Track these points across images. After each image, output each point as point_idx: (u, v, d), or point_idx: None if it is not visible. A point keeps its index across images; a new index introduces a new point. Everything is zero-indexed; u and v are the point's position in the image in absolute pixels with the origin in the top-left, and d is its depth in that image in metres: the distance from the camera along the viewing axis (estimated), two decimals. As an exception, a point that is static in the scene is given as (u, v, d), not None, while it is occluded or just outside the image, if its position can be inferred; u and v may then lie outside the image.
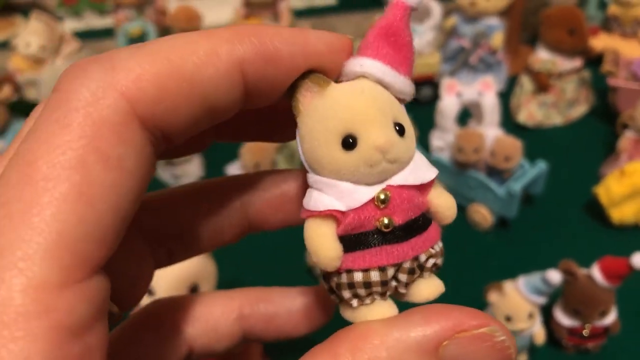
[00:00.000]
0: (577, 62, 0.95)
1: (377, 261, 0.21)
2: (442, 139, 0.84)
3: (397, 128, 0.20)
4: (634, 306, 0.68)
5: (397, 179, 0.21)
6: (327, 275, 0.21)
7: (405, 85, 0.21)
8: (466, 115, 0.87)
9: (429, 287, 0.21)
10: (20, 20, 1.32)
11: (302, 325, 0.27)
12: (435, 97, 0.92)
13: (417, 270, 0.21)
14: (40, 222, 0.16)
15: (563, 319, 0.64)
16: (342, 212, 0.21)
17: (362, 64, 0.21)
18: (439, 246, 0.22)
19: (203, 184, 0.26)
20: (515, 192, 0.75)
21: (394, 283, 0.21)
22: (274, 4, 1.11)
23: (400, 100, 0.22)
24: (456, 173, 0.80)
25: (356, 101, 0.20)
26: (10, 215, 0.16)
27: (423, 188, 0.21)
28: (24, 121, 0.84)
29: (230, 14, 1.14)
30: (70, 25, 1.32)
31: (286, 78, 0.20)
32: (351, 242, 0.21)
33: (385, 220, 0.20)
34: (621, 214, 0.78)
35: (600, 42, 1.05)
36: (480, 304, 0.64)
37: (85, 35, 1.27)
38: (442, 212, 0.21)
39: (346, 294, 0.21)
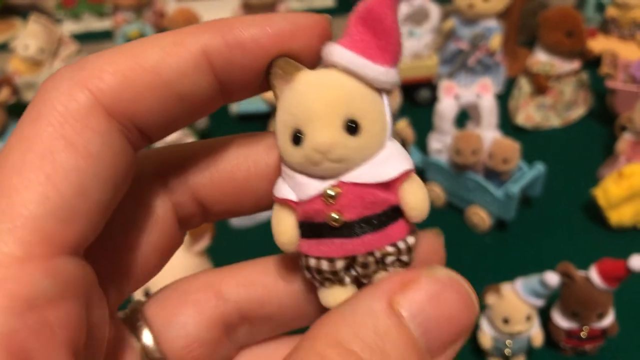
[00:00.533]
0: (575, 64, 0.96)
1: (327, 252, 0.21)
2: (440, 141, 0.84)
3: (349, 125, 0.20)
4: (631, 308, 0.68)
5: (351, 176, 0.20)
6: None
7: (381, 74, 0.20)
8: (464, 117, 0.87)
9: None
10: (19, 22, 1.32)
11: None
12: (433, 99, 0.92)
13: (374, 265, 0.21)
14: (7, 204, 0.17)
15: (561, 321, 0.64)
16: (296, 202, 0.21)
17: (331, 52, 0.21)
18: (404, 243, 0.21)
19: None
20: (514, 194, 0.75)
21: (353, 273, 0.22)
22: (272, 5, 1.11)
23: (381, 90, 0.21)
24: (454, 175, 0.80)
25: (309, 96, 0.20)
26: None
27: (389, 184, 0.21)
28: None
29: (229, 15, 1.14)
30: (69, 27, 1.32)
31: (256, 64, 0.20)
32: (308, 229, 0.21)
33: (334, 216, 0.20)
34: (619, 216, 0.78)
35: (598, 44, 1.06)
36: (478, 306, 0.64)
37: (84, 38, 1.27)
38: (408, 211, 0.21)
39: (307, 274, 0.22)
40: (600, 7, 1.13)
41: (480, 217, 0.80)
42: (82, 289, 0.18)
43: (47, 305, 0.16)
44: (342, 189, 0.20)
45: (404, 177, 0.21)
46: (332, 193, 0.20)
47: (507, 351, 0.63)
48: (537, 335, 0.63)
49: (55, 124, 0.18)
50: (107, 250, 0.21)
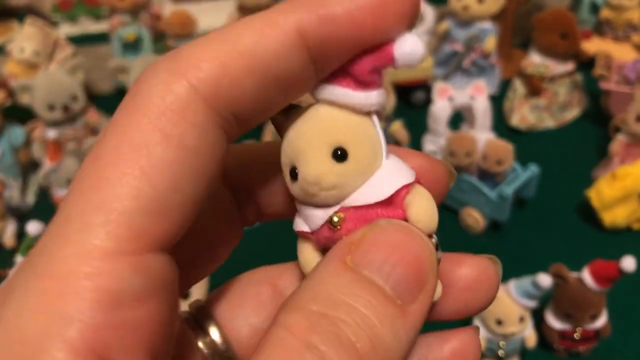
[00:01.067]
0: (569, 66, 0.96)
1: None
2: (435, 143, 0.84)
3: (338, 153, 0.20)
4: (624, 309, 0.68)
5: (350, 200, 0.21)
6: None
7: (362, 99, 0.21)
8: (458, 119, 0.87)
9: None
10: (16, 25, 1.32)
11: None
12: (428, 101, 0.92)
13: None
14: (100, 198, 0.17)
15: (554, 322, 0.64)
16: (310, 233, 0.22)
17: (315, 88, 0.21)
18: None
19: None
20: (507, 195, 0.75)
21: None
22: (268, 8, 1.11)
23: (369, 112, 0.21)
24: (448, 177, 0.81)
25: (297, 133, 0.21)
26: (80, 191, 0.17)
27: (393, 201, 0.21)
28: (17, 126, 0.85)
29: (225, 19, 1.14)
30: (66, 30, 1.32)
31: (349, 39, 0.19)
32: None
33: None
34: (613, 217, 0.78)
35: (592, 45, 1.06)
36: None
37: (81, 41, 1.27)
38: (414, 224, 0.21)
39: None
40: (595, 9, 1.13)
41: (474, 218, 0.80)
42: (169, 287, 0.18)
43: (134, 303, 0.16)
44: (344, 214, 0.21)
45: (404, 191, 0.21)
46: (336, 219, 0.21)
47: (500, 352, 0.63)
48: (530, 336, 0.64)
49: (152, 116, 0.17)
50: (181, 245, 0.21)
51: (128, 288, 0.16)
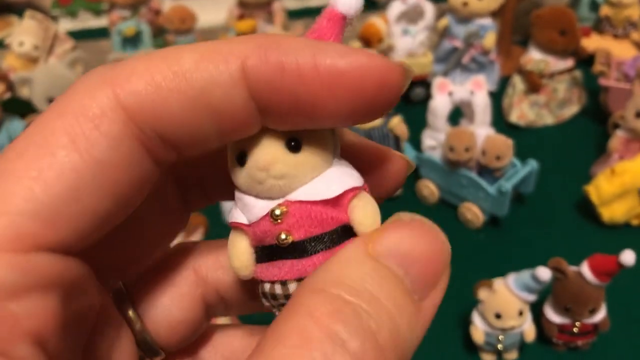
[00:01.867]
0: (568, 63, 0.96)
1: (279, 275, 0.21)
2: (434, 138, 0.84)
3: (291, 144, 0.20)
4: (623, 304, 0.68)
5: (297, 194, 0.20)
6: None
7: None
8: (458, 114, 0.87)
9: None
10: (16, 20, 1.32)
11: None
12: (427, 97, 0.92)
13: None
14: None
15: (553, 316, 0.64)
16: (247, 225, 0.21)
17: None
18: None
19: None
20: (507, 190, 0.75)
21: None
22: (268, 4, 1.11)
23: None
24: (447, 172, 0.81)
25: None
26: None
27: (338, 203, 0.20)
28: (17, 119, 0.85)
29: (225, 14, 1.14)
30: (65, 25, 1.32)
31: (297, 90, 0.18)
32: (261, 253, 0.21)
33: (282, 236, 0.20)
34: (611, 212, 0.78)
35: (592, 42, 1.06)
36: (471, 302, 0.64)
37: (80, 35, 1.27)
38: (356, 227, 0.20)
39: (265, 302, 0.22)
40: (594, 6, 1.13)
41: (473, 213, 0.80)
42: (57, 282, 0.17)
43: (11, 297, 0.16)
44: (288, 207, 0.20)
45: (351, 194, 0.21)
46: (278, 212, 0.20)
47: (499, 346, 0.63)
48: (529, 330, 0.64)
49: (66, 120, 0.17)
50: (113, 240, 0.21)
51: (5, 284, 0.16)
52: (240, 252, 0.21)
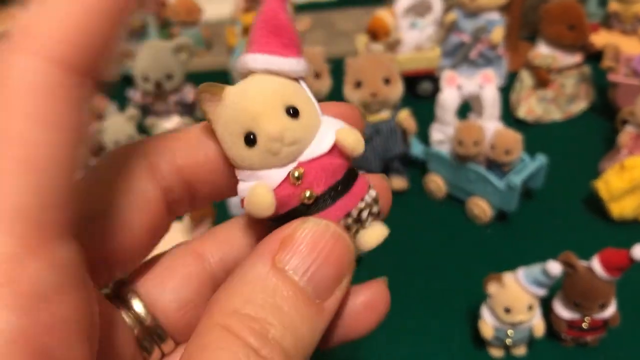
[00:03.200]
0: (577, 58, 0.95)
1: None
2: (443, 132, 0.84)
3: (290, 112, 0.22)
4: (634, 299, 0.68)
5: (306, 155, 0.23)
6: None
7: (293, 65, 0.23)
8: (466, 109, 0.86)
9: (373, 234, 0.24)
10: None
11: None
12: (435, 91, 0.91)
13: (354, 224, 0.23)
14: None
15: (562, 311, 0.64)
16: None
17: (246, 61, 0.23)
18: (370, 197, 0.24)
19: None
20: (515, 185, 0.75)
21: None
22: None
23: (297, 78, 0.24)
24: (456, 166, 0.80)
25: (246, 101, 0.22)
26: None
27: (335, 148, 0.23)
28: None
29: (231, 6, 1.13)
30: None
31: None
32: (283, 220, 0.23)
33: (307, 193, 0.22)
34: (621, 208, 0.78)
35: (600, 38, 1.05)
36: (479, 297, 0.63)
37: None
38: (347, 149, 0.23)
39: None
40: (603, 2, 1.13)
41: (481, 208, 0.79)
42: (80, 273, 0.17)
43: (56, 298, 0.16)
44: (303, 168, 0.22)
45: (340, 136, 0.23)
46: (297, 174, 0.22)
47: (508, 341, 0.63)
48: (538, 325, 0.63)
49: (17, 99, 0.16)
50: (95, 234, 0.21)
51: (46, 285, 0.16)
52: (264, 194, 0.22)
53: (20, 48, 0.17)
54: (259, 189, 0.23)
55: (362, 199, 0.23)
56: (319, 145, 0.23)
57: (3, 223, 0.15)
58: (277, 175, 0.22)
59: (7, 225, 0.15)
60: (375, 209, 0.24)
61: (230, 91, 0.23)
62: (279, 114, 0.22)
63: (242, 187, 0.23)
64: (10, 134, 0.16)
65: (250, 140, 0.22)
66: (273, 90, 0.23)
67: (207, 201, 0.26)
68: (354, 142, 0.23)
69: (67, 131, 0.17)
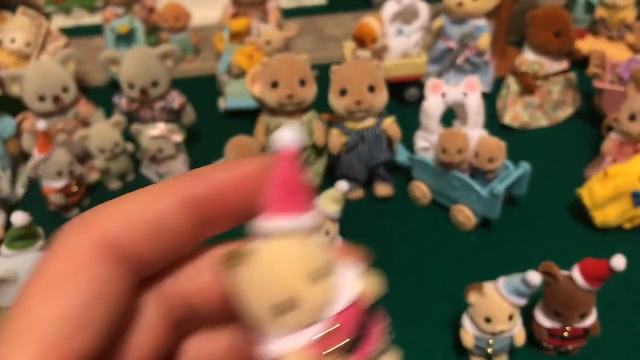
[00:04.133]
0: (563, 64, 0.96)
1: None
2: (427, 140, 0.84)
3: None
4: (614, 308, 0.68)
5: (337, 307, 0.22)
6: None
7: (309, 222, 0.23)
8: (451, 116, 0.87)
9: None
10: (9, 16, 1.31)
11: None
12: (421, 98, 0.91)
13: None
14: (25, 323, 0.18)
15: (544, 320, 0.64)
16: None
17: (269, 226, 0.23)
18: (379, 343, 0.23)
19: None
20: (499, 193, 0.75)
21: None
22: (262, 3, 1.10)
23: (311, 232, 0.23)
24: (440, 174, 0.80)
25: (277, 269, 0.22)
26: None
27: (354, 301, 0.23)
28: (7, 117, 0.83)
29: (219, 12, 1.13)
30: (60, 22, 1.31)
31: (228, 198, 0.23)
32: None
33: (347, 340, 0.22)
34: (604, 216, 0.78)
35: (587, 45, 1.06)
36: (462, 305, 0.64)
37: (74, 33, 1.26)
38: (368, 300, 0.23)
39: None
40: (590, 8, 1.13)
41: (465, 215, 0.80)
42: None
43: None
44: (337, 321, 0.22)
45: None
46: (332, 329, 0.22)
47: (489, 350, 0.63)
48: (519, 334, 0.63)
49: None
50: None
51: None
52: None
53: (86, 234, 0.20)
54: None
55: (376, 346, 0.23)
56: (345, 296, 0.23)
57: (28, 343, 0.17)
58: (307, 334, 0.22)
59: (32, 345, 0.17)
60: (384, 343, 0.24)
61: (256, 260, 0.22)
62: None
63: (271, 344, 0.23)
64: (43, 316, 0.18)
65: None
66: (298, 257, 0.22)
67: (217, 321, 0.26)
68: (376, 290, 0.23)
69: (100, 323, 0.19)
